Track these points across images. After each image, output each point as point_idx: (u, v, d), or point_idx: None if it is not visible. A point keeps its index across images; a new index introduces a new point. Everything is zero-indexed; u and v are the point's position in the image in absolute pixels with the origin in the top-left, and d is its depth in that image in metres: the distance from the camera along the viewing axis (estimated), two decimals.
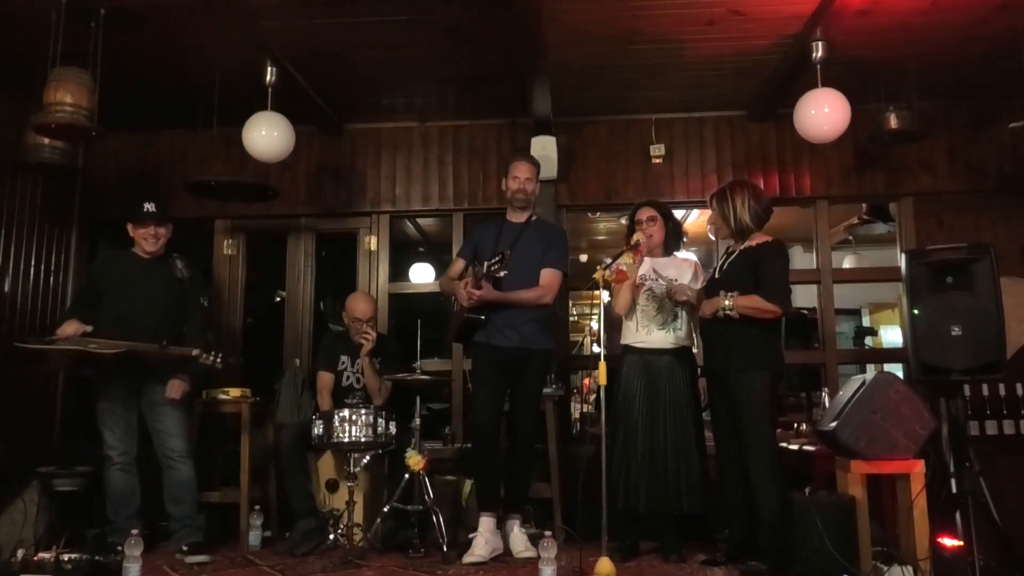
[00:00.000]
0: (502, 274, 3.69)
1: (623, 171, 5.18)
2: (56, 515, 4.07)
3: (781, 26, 3.98)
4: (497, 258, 3.67)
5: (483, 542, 3.68)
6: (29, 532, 3.88)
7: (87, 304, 3.98)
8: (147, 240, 3.95)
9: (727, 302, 3.44)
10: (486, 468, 3.86)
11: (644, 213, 3.97)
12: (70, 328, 3.76)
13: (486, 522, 3.75)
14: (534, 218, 4.06)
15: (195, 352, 3.80)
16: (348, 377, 4.45)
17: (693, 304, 3.75)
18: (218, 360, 3.84)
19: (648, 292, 3.87)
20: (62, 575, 3.18)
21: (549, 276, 3.88)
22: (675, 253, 4.05)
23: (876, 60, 4.33)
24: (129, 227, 3.99)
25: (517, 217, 4.01)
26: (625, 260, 3.69)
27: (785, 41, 4.12)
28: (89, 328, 3.79)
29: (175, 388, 3.90)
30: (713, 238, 4.02)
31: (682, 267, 3.93)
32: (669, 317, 3.85)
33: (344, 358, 4.47)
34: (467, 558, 3.62)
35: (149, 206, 3.95)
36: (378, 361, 4.40)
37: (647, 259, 3.87)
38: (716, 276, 3.71)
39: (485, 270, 3.71)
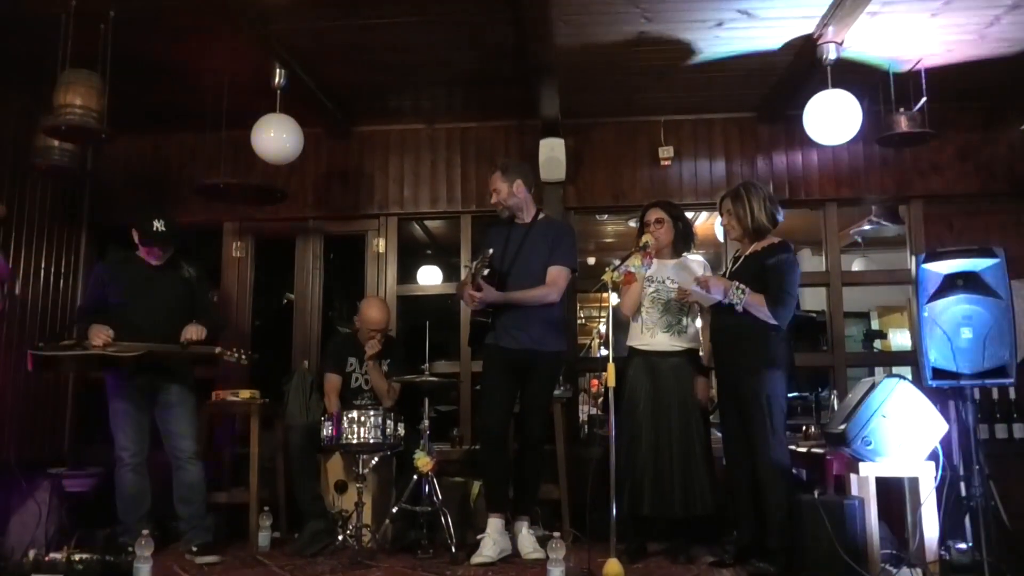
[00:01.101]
0: (486, 272, 3.71)
1: (631, 173, 5.18)
2: (66, 516, 4.09)
3: (791, 27, 3.97)
4: (479, 258, 3.69)
5: (491, 543, 3.68)
6: (40, 533, 3.90)
7: (94, 310, 3.97)
8: (152, 256, 3.95)
9: (736, 299, 3.43)
10: (494, 469, 3.86)
11: (652, 215, 3.96)
12: (102, 334, 3.72)
13: (494, 523, 3.75)
14: (541, 216, 4.06)
15: (218, 350, 3.81)
16: (357, 379, 4.47)
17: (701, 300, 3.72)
18: (243, 356, 3.84)
19: (654, 294, 3.86)
20: (73, 575, 3.19)
21: (555, 273, 3.86)
22: (684, 254, 4.03)
23: (886, 61, 4.32)
24: (134, 235, 3.97)
25: (523, 219, 4.02)
26: (633, 262, 3.69)
27: (795, 42, 4.11)
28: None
29: (192, 331, 3.81)
30: (722, 240, 4.02)
31: (691, 267, 3.92)
32: (674, 319, 3.85)
33: (352, 360, 4.49)
34: (475, 559, 3.63)
35: (159, 224, 3.87)
36: (387, 363, 4.41)
37: (655, 261, 3.86)
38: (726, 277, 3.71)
39: (473, 271, 3.73)
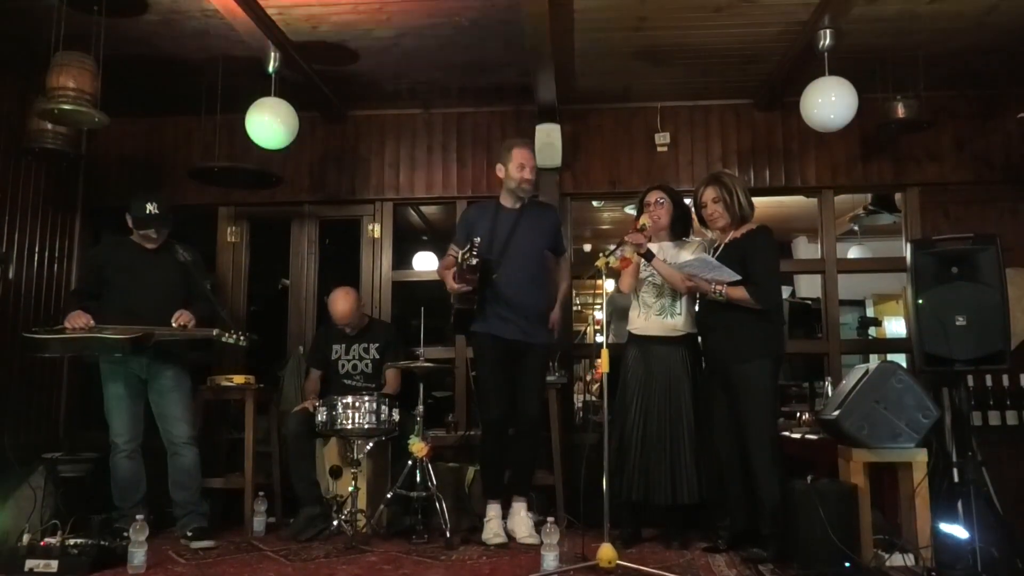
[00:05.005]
0: (474, 261, 3.59)
1: (628, 159, 5.16)
2: (62, 501, 4.09)
3: (789, 13, 3.95)
4: (468, 247, 3.59)
5: (497, 524, 3.77)
6: (36, 518, 3.90)
7: (88, 294, 3.96)
8: (146, 240, 3.93)
9: (714, 295, 3.47)
10: (496, 458, 3.90)
11: (653, 196, 3.93)
12: (80, 320, 3.74)
13: (495, 508, 3.82)
14: (526, 200, 4.04)
15: (215, 332, 3.79)
16: (343, 365, 4.45)
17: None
18: (242, 338, 3.82)
19: (650, 277, 3.85)
20: (68, 560, 3.20)
21: (565, 263, 4.21)
22: (683, 239, 4.00)
23: (884, 48, 4.31)
24: (128, 219, 3.94)
25: (511, 202, 3.99)
26: (644, 221, 3.68)
27: (792, 28, 4.10)
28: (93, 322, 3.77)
29: (182, 317, 3.79)
30: (708, 232, 3.97)
31: (687, 248, 3.90)
32: (667, 303, 3.84)
33: (336, 347, 4.46)
34: (493, 540, 3.71)
35: (151, 207, 3.84)
36: (375, 347, 4.42)
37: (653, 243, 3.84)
38: None
39: (460, 261, 3.65)
